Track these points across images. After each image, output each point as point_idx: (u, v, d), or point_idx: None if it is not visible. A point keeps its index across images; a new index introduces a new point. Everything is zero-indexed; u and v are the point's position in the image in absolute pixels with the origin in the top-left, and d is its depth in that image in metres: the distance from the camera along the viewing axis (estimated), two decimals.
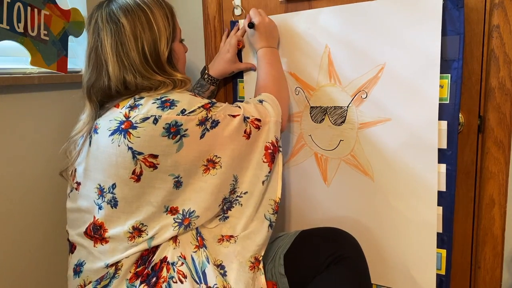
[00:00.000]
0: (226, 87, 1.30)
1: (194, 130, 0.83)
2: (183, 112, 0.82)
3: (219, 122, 0.86)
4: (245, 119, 0.91)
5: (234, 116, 0.89)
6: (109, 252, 0.86)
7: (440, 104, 0.96)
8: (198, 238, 0.88)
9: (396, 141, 1.02)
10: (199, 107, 0.84)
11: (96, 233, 0.87)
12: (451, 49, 0.95)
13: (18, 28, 1.02)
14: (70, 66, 1.19)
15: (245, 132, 0.90)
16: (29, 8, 1.04)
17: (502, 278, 1.02)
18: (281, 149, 0.98)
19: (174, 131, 0.81)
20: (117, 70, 0.86)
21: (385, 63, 1.01)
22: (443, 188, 0.99)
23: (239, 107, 0.93)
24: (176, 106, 0.83)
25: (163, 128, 0.81)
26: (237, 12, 1.24)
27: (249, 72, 1.22)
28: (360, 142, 1.07)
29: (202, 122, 0.84)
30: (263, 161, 0.93)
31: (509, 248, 1.01)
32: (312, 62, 1.12)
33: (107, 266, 0.85)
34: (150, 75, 0.87)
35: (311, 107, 1.13)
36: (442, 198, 0.99)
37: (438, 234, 1.00)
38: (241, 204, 0.92)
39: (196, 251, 0.87)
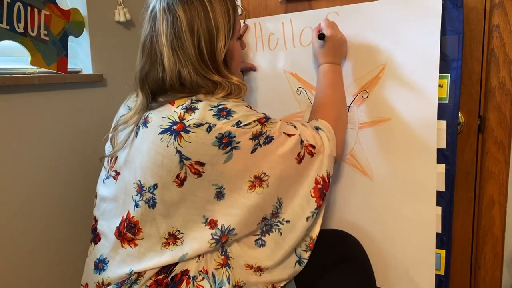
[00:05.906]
0: None
1: (247, 144, 0.80)
2: (238, 124, 0.79)
3: (273, 139, 0.82)
4: (302, 142, 0.86)
5: (289, 135, 0.85)
6: (136, 258, 0.84)
7: (439, 104, 0.95)
8: (223, 256, 0.85)
9: (395, 141, 1.02)
10: (254, 121, 0.81)
11: (130, 231, 0.84)
12: (450, 49, 0.95)
13: (18, 28, 1.02)
14: (70, 66, 1.20)
15: (298, 155, 0.85)
16: (29, 8, 1.04)
17: (502, 278, 1.02)
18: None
19: (226, 142, 0.78)
20: (173, 63, 0.81)
21: (386, 63, 1.01)
22: (442, 188, 0.99)
23: (295, 126, 0.88)
24: (232, 116, 0.79)
25: (216, 137, 0.78)
26: None
27: (249, 72, 1.22)
28: (360, 142, 1.07)
29: (255, 137, 0.80)
30: (311, 196, 0.87)
31: (509, 248, 1.01)
32: (313, 62, 1.11)
33: (131, 273, 0.83)
34: (205, 73, 0.82)
35: None
36: (441, 198, 0.99)
37: (437, 234, 1.00)
38: (281, 233, 0.87)
39: (218, 268, 0.84)
